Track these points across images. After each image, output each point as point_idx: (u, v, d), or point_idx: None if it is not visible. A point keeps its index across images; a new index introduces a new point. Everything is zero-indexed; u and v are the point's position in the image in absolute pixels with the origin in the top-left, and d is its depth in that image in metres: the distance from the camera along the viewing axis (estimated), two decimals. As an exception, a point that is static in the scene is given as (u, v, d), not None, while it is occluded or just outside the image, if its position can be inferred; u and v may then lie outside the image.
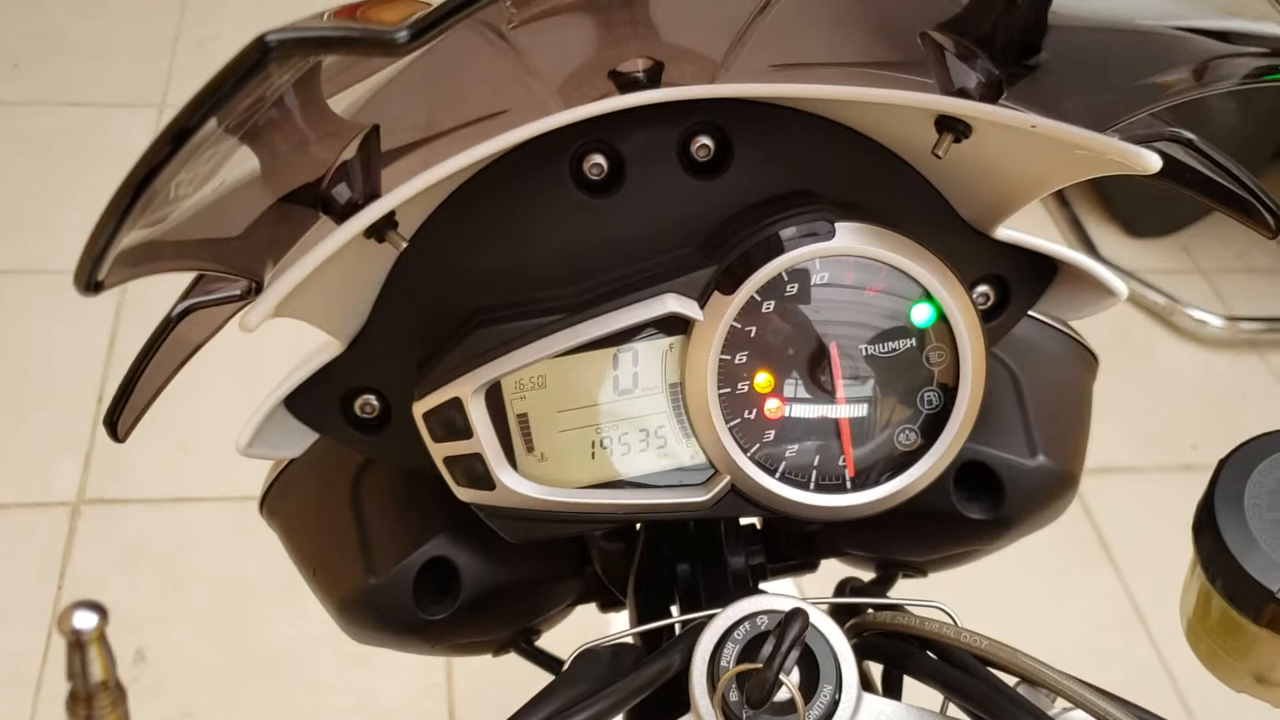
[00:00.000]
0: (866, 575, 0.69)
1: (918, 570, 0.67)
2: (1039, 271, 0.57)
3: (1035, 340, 0.62)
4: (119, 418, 0.49)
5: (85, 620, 0.36)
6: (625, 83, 0.51)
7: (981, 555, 0.64)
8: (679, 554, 0.64)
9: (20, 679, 1.56)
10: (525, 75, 0.52)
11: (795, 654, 0.45)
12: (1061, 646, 1.70)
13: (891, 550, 0.65)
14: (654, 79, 0.51)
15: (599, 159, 0.51)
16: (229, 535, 1.70)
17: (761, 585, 0.64)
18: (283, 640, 1.60)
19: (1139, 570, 1.84)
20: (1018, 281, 0.57)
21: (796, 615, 0.46)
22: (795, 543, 0.67)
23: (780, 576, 0.67)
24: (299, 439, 0.57)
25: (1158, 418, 2.12)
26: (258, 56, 0.31)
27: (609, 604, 0.69)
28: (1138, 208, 2.45)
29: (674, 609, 0.65)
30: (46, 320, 1.99)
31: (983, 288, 0.57)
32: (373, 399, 0.55)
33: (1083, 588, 1.84)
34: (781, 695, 0.46)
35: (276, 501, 0.63)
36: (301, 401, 0.54)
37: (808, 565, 0.68)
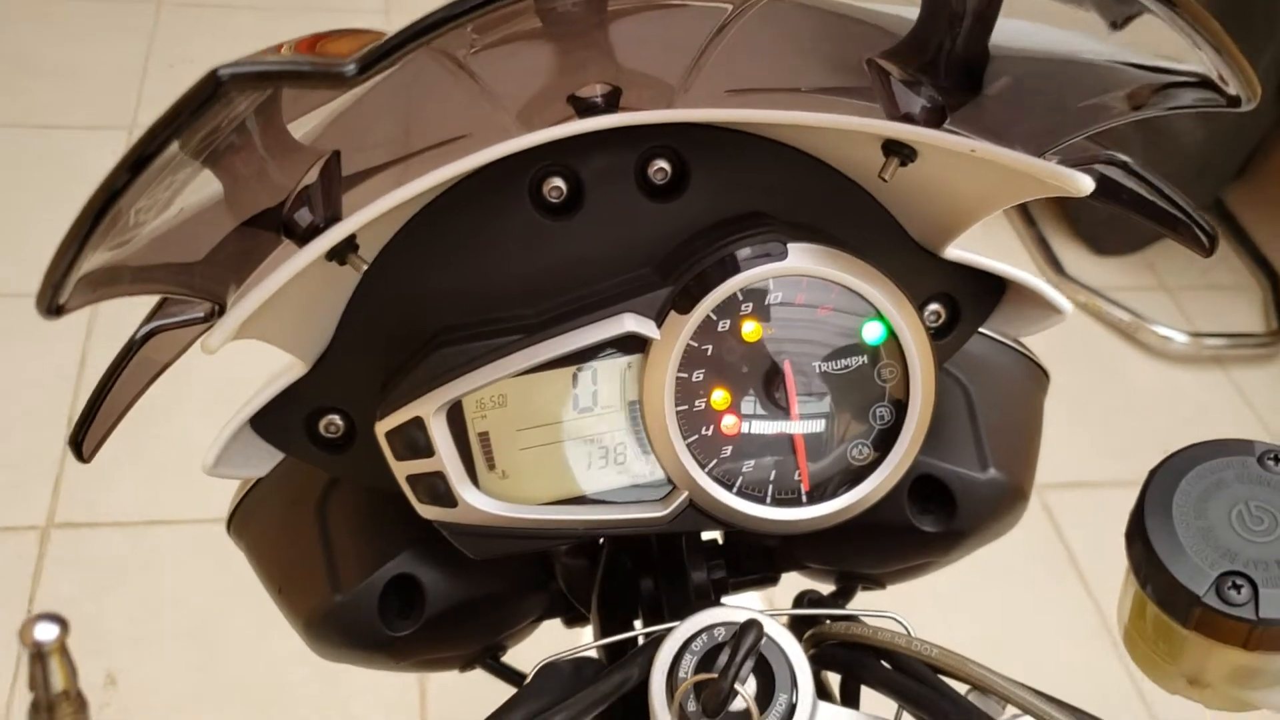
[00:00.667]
0: (827, 588, 0.70)
1: (876, 583, 0.68)
2: (988, 289, 0.59)
3: (986, 356, 0.64)
4: (84, 438, 0.50)
5: (46, 632, 0.36)
6: (584, 107, 0.52)
7: (937, 567, 0.66)
8: (641, 569, 0.65)
9: (-11, 704, 1.55)
10: (484, 100, 0.54)
11: (750, 663, 0.47)
12: (1030, 660, 1.72)
13: (849, 563, 0.66)
14: (612, 104, 0.52)
15: (558, 182, 0.52)
16: (201, 558, 1.70)
17: (723, 599, 0.65)
18: (256, 663, 1.60)
19: (1106, 583, 1.86)
20: (968, 299, 0.59)
21: (751, 626, 0.47)
22: (756, 557, 0.69)
23: (742, 590, 0.69)
24: (265, 459, 0.58)
25: (1124, 432, 2.15)
26: (210, 90, 0.32)
27: (574, 619, 0.70)
28: (1103, 226, 2.49)
29: (638, 623, 0.66)
30: (16, 342, 1.98)
31: (934, 306, 0.58)
32: (337, 418, 0.56)
33: (1051, 601, 1.85)
34: (737, 705, 0.47)
35: (244, 521, 0.64)
36: (266, 422, 0.55)
37: (769, 579, 0.69)
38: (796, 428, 0.54)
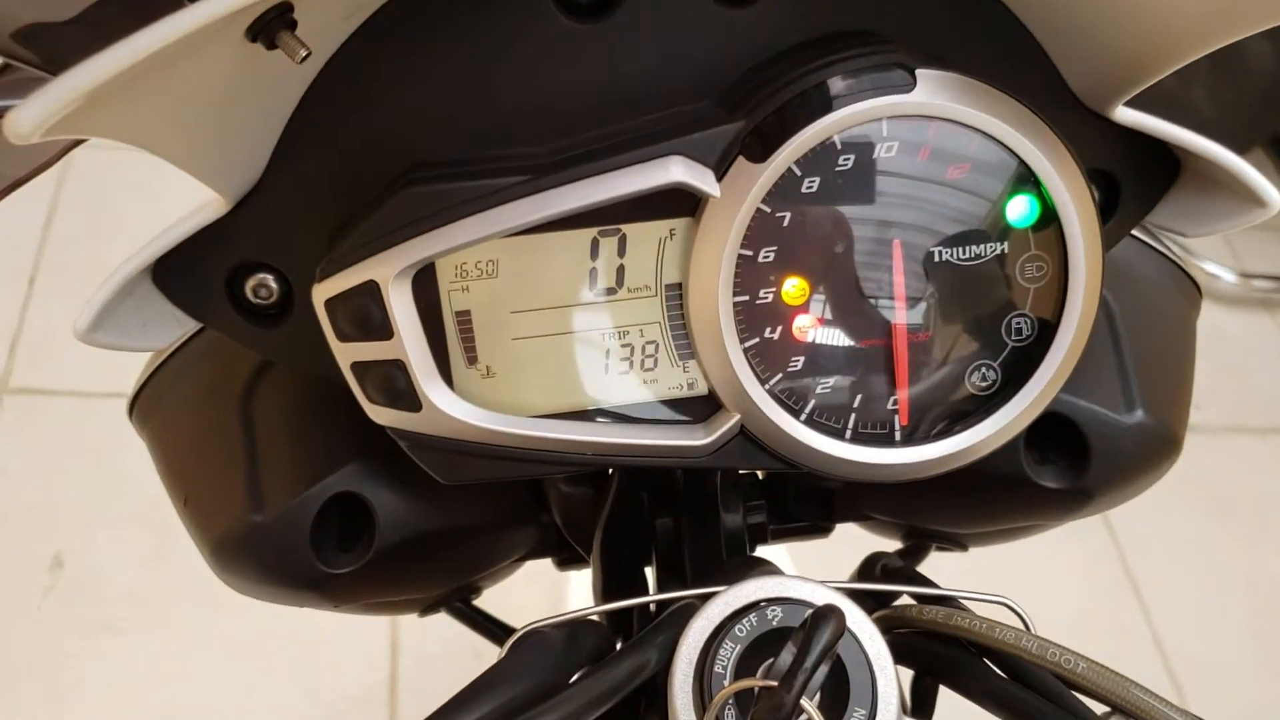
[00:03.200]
0: (891, 544, 0.56)
1: (956, 544, 0.54)
2: (1156, 170, 0.43)
3: (1131, 263, 0.49)
4: None
5: None
6: None
7: (1042, 530, 0.51)
8: (659, 504, 0.50)
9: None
10: None
11: (825, 669, 0.32)
12: (1047, 607, 1.60)
13: (931, 519, 0.52)
14: None
15: None
16: (163, 438, 1.56)
17: (760, 550, 0.51)
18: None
19: (1133, 532, 1.74)
20: (1132, 180, 0.43)
21: (829, 615, 0.32)
22: (807, 500, 0.54)
23: (784, 540, 0.54)
24: (167, 327, 0.42)
25: (1162, 373, 2.01)
26: None
27: (568, 560, 0.56)
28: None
29: (649, 573, 0.51)
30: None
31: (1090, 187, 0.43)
32: (270, 280, 0.41)
33: (1073, 547, 1.73)
34: (800, 724, 0.33)
35: (149, 405, 0.49)
36: (174, 276, 0.40)
37: (819, 529, 0.54)
38: (899, 335, 0.39)
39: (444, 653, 1.41)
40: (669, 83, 0.38)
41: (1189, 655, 1.61)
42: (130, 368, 1.65)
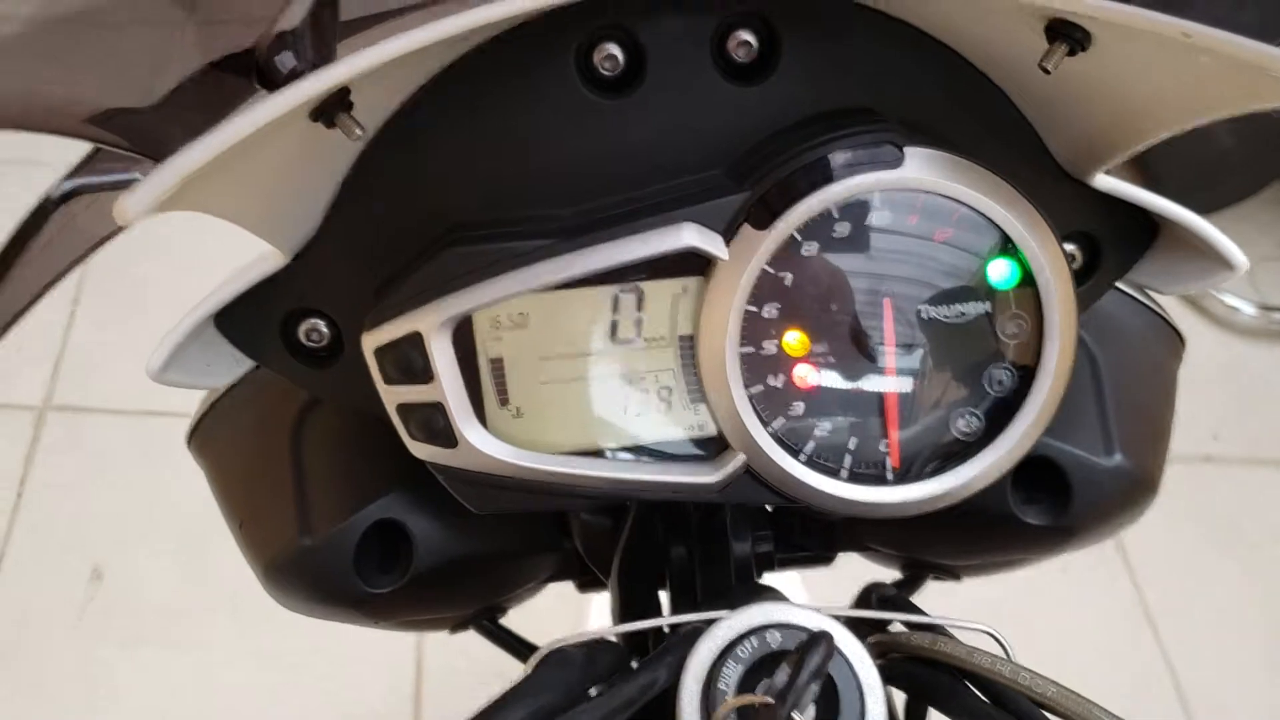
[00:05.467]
0: (889, 573, 0.60)
1: (950, 574, 0.58)
2: (1134, 231, 0.47)
3: (1116, 315, 0.52)
4: None
5: None
6: None
7: (1030, 564, 0.55)
8: (674, 533, 0.54)
9: (-31, 589, 1.48)
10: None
11: (816, 688, 0.36)
12: (1064, 641, 1.62)
13: (926, 551, 0.55)
14: None
15: (614, 50, 0.41)
16: (199, 455, 1.61)
17: (767, 577, 0.54)
18: (249, 573, 1.52)
19: (1150, 564, 1.75)
20: (1110, 241, 0.47)
21: (820, 640, 0.36)
22: (811, 532, 0.58)
23: (789, 568, 0.58)
24: (228, 367, 0.47)
25: (1180, 405, 2.02)
26: None
27: (588, 584, 0.60)
28: (1178, 189, 2.33)
29: (664, 596, 0.55)
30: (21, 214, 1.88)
31: (1069, 247, 0.47)
32: (320, 324, 0.45)
33: (1090, 580, 1.75)
34: (792, 737, 0.37)
35: (207, 436, 0.54)
36: (235, 321, 0.45)
37: (822, 558, 0.58)
38: (889, 385, 0.43)
39: (468, 669, 1.45)
40: (683, 152, 0.43)
41: (1205, 688, 1.62)
42: (167, 389, 1.69)
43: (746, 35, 0.41)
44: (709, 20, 0.41)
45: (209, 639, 1.47)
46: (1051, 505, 0.50)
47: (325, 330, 0.45)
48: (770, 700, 0.36)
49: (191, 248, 1.79)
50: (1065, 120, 0.43)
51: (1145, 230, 0.47)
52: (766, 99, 0.42)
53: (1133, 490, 0.50)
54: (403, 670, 1.48)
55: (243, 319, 0.45)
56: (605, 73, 0.41)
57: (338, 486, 0.49)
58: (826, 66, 0.42)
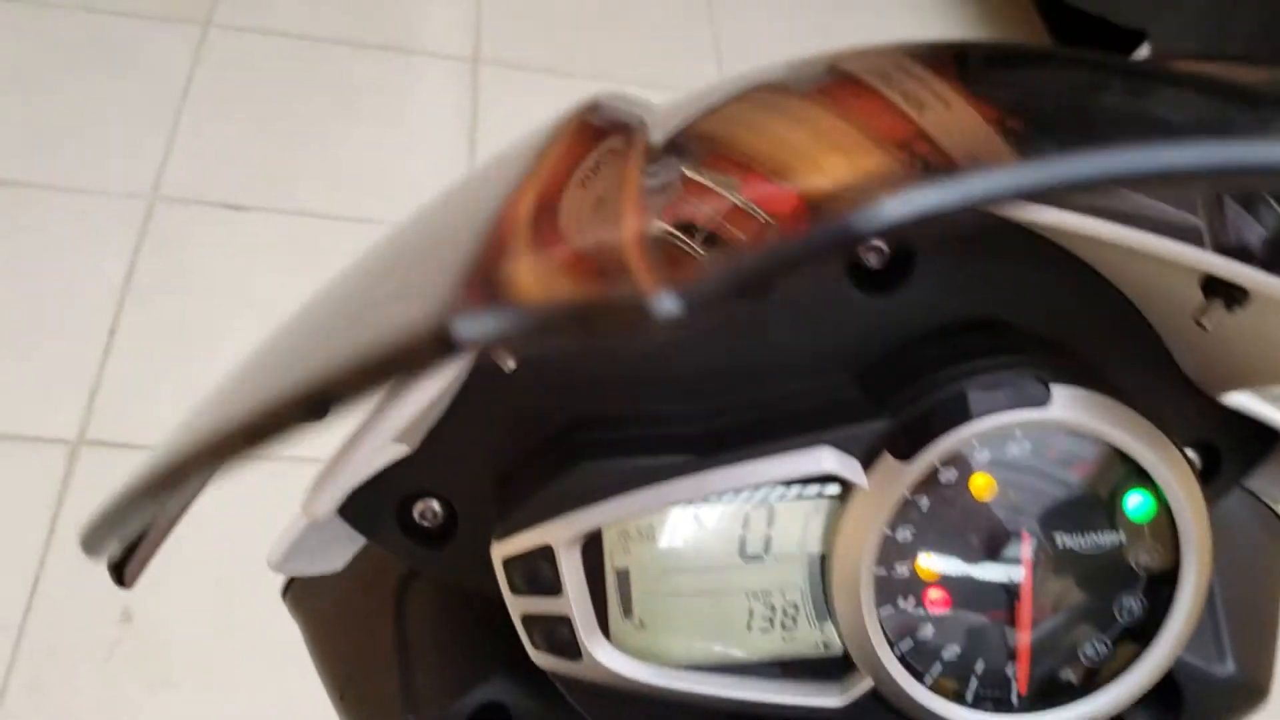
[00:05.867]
0: None
1: None
2: (1254, 437, 0.47)
3: (1227, 516, 0.52)
4: (129, 563, 0.39)
5: None
6: None
7: None
8: None
9: (0, 627, 1.48)
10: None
11: None
12: None
13: None
14: None
15: None
16: (235, 497, 1.60)
17: None
18: (282, 615, 1.51)
19: None
20: (1230, 450, 0.46)
21: None
22: None
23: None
24: (343, 549, 0.47)
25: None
26: (434, 350, 0.19)
27: None
28: None
29: None
30: (60, 240, 1.88)
31: (1189, 453, 0.46)
32: (435, 505, 0.45)
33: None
34: None
35: (304, 593, 0.53)
36: (352, 504, 0.44)
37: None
38: (1020, 611, 0.42)
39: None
40: (811, 356, 0.42)
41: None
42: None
43: (879, 242, 0.41)
44: None
45: (237, 683, 1.47)
46: (1162, 713, 0.49)
47: (439, 510, 0.45)
48: None
49: (234, 278, 1.80)
50: (1202, 349, 0.42)
51: (1262, 436, 0.47)
52: (899, 308, 0.42)
53: (1243, 700, 0.50)
54: None
55: (360, 503, 0.44)
56: None
57: (444, 666, 0.49)
58: (962, 277, 0.42)
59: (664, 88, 0.39)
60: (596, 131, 0.30)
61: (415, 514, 0.45)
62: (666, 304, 0.19)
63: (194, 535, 1.66)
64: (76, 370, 1.73)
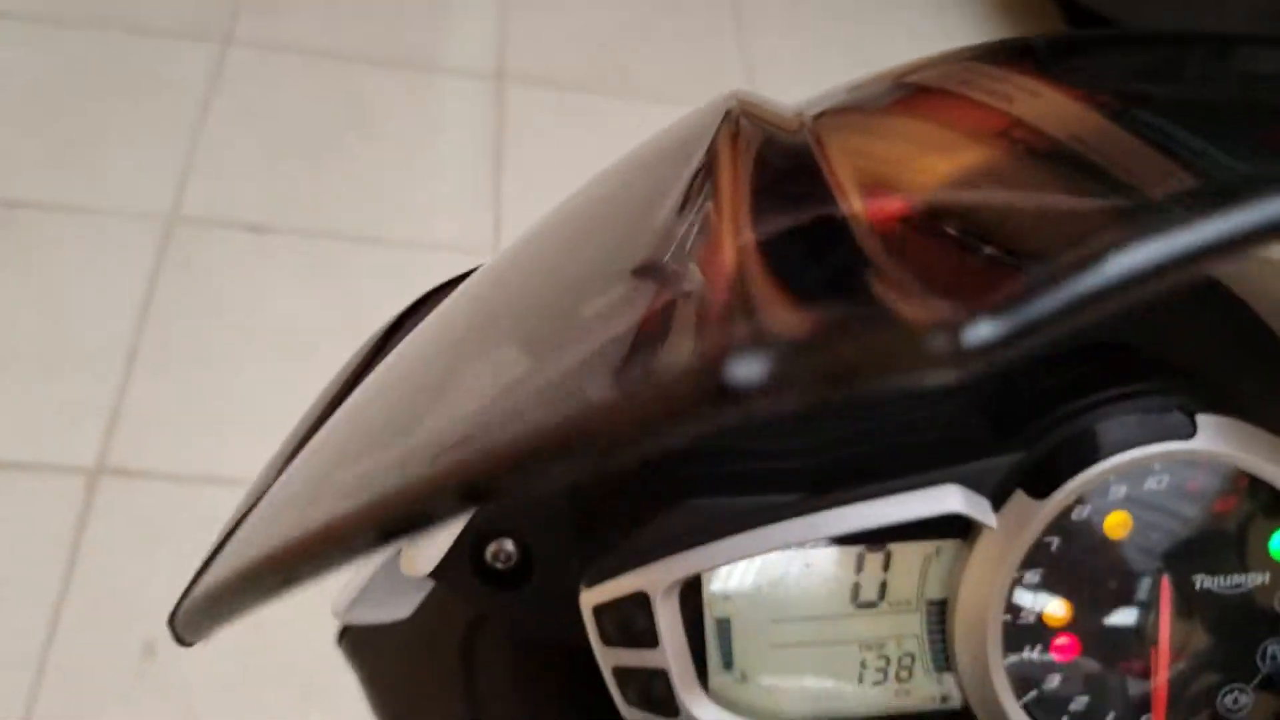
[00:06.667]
0: None
1: None
2: None
3: None
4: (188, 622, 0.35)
5: None
6: None
7: None
8: None
9: (20, 660, 1.44)
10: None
11: None
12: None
13: None
14: None
15: None
16: (257, 525, 1.57)
17: None
18: (305, 650, 1.47)
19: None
20: None
21: None
22: None
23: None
24: (411, 594, 0.43)
25: None
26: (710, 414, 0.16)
27: None
28: None
29: None
30: (80, 261, 1.86)
31: None
32: (509, 545, 0.41)
33: None
34: None
35: (363, 640, 0.50)
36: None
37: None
38: (1159, 659, 0.39)
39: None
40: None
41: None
42: (209, 458, 1.65)
43: None
44: None
45: (264, 717, 1.43)
46: None
47: (513, 550, 0.41)
48: None
49: (258, 301, 1.78)
50: None
51: None
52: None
53: None
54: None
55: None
56: None
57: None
58: None
59: (694, 103, 0.37)
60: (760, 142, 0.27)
61: (488, 555, 0.42)
62: (982, 330, 0.15)
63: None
64: (95, 396, 1.70)
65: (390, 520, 0.20)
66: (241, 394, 1.64)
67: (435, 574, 0.42)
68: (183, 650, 1.35)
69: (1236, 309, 0.39)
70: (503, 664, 0.46)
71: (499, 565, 0.42)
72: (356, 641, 0.50)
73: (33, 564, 1.53)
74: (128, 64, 2.14)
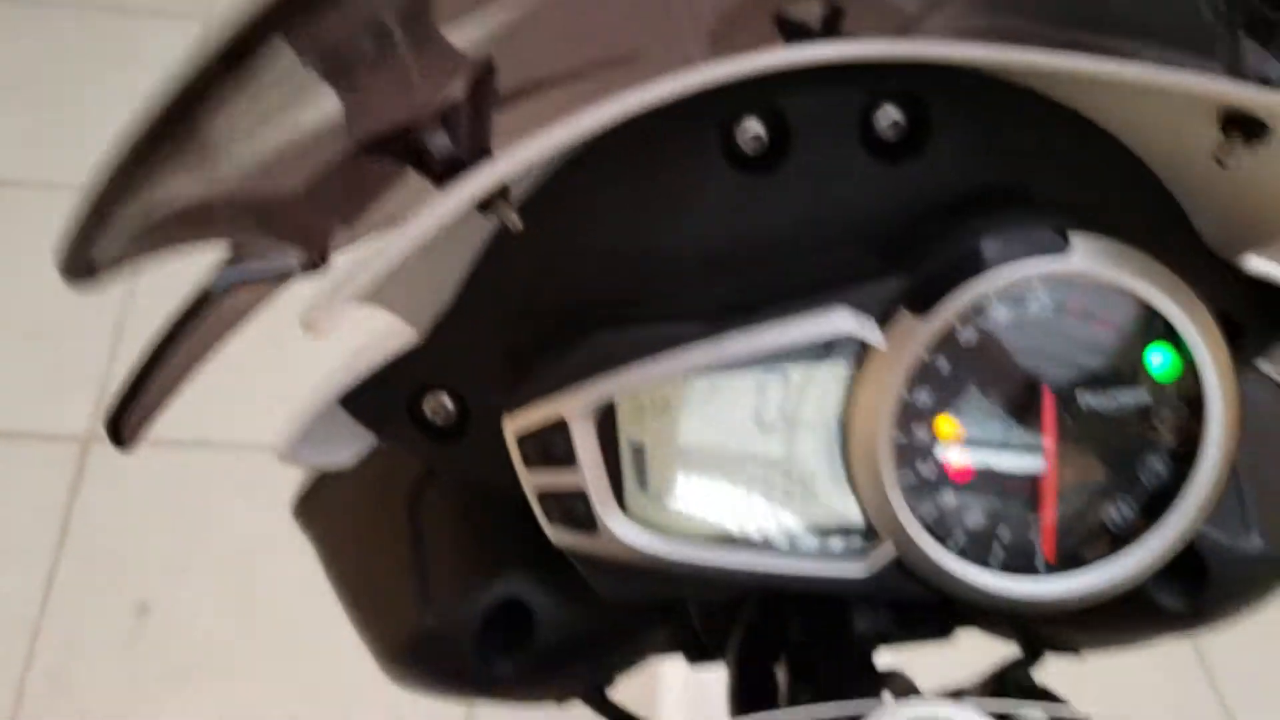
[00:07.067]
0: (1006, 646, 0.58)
1: (1071, 650, 0.56)
2: (1276, 311, 0.46)
3: (1249, 394, 0.51)
4: (124, 417, 0.38)
5: None
6: (794, 31, 0.40)
7: (1153, 644, 0.53)
8: (793, 611, 0.53)
9: (16, 623, 1.47)
10: (666, 11, 0.41)
11: None
12: (1116, 689, 1.55)
13: (1053, 631, 0.54)
14: (832, 28, 0.40)
15: (757, 128, 0.40)
16: (247, 487, 1.60)
17: (884, 655, 0.53)
18: (295, 607, 1.50)
19: (1230, 668, 1.67)
20: (1252, 323, 0.45)
21: None
22: (931, 608, 0.56)
23: (909, 644, 0.56)
24: (351, 443, 0.46)
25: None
26: None
27: (698, 657, 0.58)
28: None
29: (779, 673, 0.54)
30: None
31: None
32: (447, 400, 0.44)
33: (1173, 694, 1.66)
34: None
35: (314, 505, 0.52)
36: (361, 400, 0.44)
37: (941, 633, 0.57)
38: (1044, 474, 0.42)
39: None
40: (829, 230, 0.41)
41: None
42: (198, 423, 1.68)
43: (895, 112, 0.40)
44: (854, 97, 0.40)
45: (256, 673, 1.46)
46: (1187, 588, 0.48)
47: (451, 406, 0.44)
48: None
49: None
50: (1219, 204, 0.42)
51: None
52: (916, 177, 0.41)
53: (1270, 572, 0.49)
54: (455, 712, 1.46)
55: (369, 397, 0.44)
56: (748, 151, 0.40)
57: (460, 565, 0.48)
58: (978, 145, 0.41)
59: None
60: None
61: (427, 410, 0.44)
62: None
63: (209, 529, 1.67)
64: (86, 366, 1.73)
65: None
66: (227, 359, 1.66)
67: (375, 428, 0.45)
68: (175, 611, 1.39)
69: (1100, 140, 0.41)
70: (446, 517, 0.49)
71: (437, 419, 0.44)
72: (309, 509, 0.52)
73: (27, 530, 1.56)
74: (110, 43, 2.16)
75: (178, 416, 1.61)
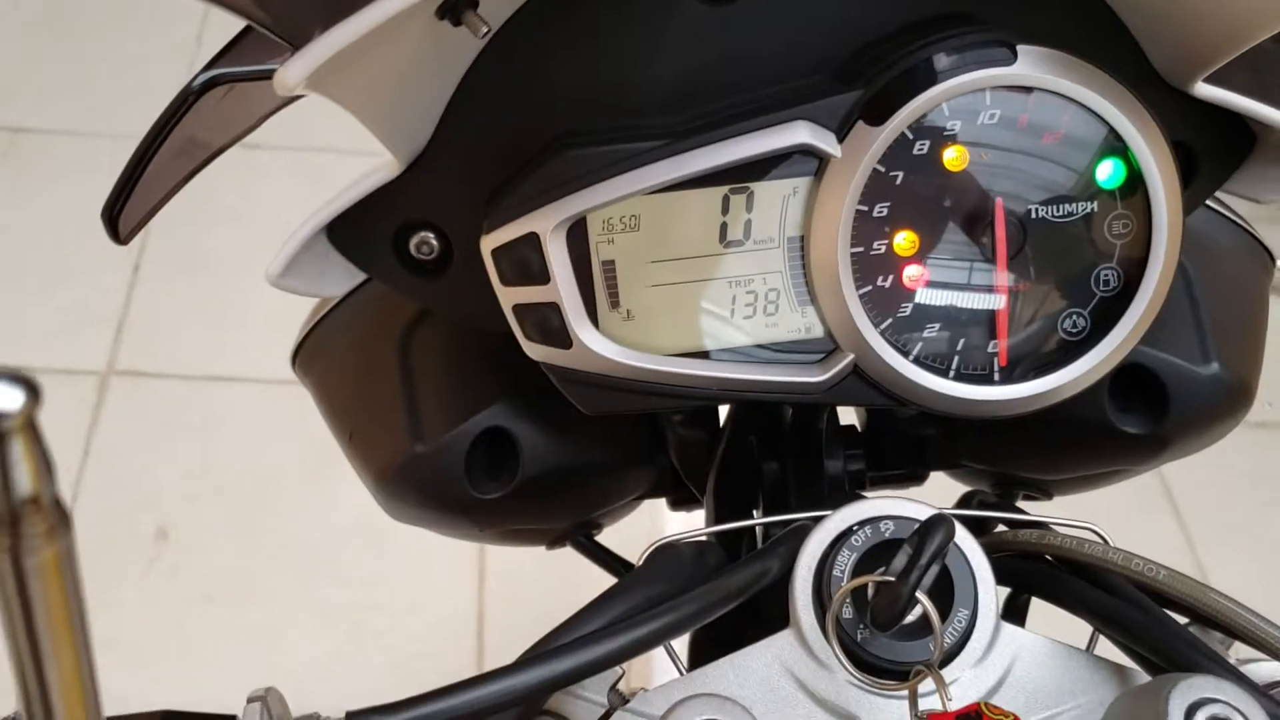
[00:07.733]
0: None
1: (1042, 491, 0.58)
2: (1231, 142, 0.47)
3: (1206, 231, 0.52)
4: (121, 211, 0.40)
5: (6, 399, 0.22)
6: None
7: (1122, 478, 0.55)
8: (767, 450, 0.55)
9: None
10: None
11: (936, 568, 0.37)
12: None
13: (1020, 464, 0.56)
14: None
15: None
16: (262, 418, 1.63)
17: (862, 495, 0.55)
18: (309, 530, 1.54)
19: (1200, 520, 1.73)
20: (1209, 152, 0.47)
21: (940, 523, 0.37)
22: (903, 449, 0.58)
23: (882, 488, 0.58)
24: (341, 277, 0.48)
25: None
26: None
27: (681, 501, 0.61)
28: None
29: (756, 514, 0.56)
30: (83, 183, 1.91)
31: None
32: (431, 237, 0.46)
33: (1142, 533, 1.72)
34: (913, 614, 0.38)
35: (312, 355, 0.55)
36: (347, 234, 0.46)
37: (915, 477, 0.59)
38: (998, 284, 0.43)
39: (530, 623, 1.47)
40: (788, 59, 0.43)
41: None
42: (214, 358, 1.71)
43: None
44: None
45: (272, 595, 1.50)
46: (1148, 414, 0.50)
47: (435, 243, 0.46)
48: (891, 578, 0.37)
49: (254, 213, 1.83)
50: (1165, 27, 0.43)
51: (1243, 139, 0.47)
52: (872, 2, 0.43)
53: (1229, 398, 0.50)
54: (464, 625, 1.50)
55: (355, 232, 0.46)
56: None
57: (448, 396, 0.50)
58: None
59: None
60: None
61: (411, 247, 0.46)
62: None
63: (225, 453, 1.70)
64: (104, 304, 1.76)
65: None
66: (240, 297, 1.70)
67: (361, 263, 0.47)
68: (193, 534, 1.43)
69: None
70: (436, 354, 0.51)
71: (422, 257, 0.46)
72: (307, 358, 0.55)
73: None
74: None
75: (191, 352, 1.64)
